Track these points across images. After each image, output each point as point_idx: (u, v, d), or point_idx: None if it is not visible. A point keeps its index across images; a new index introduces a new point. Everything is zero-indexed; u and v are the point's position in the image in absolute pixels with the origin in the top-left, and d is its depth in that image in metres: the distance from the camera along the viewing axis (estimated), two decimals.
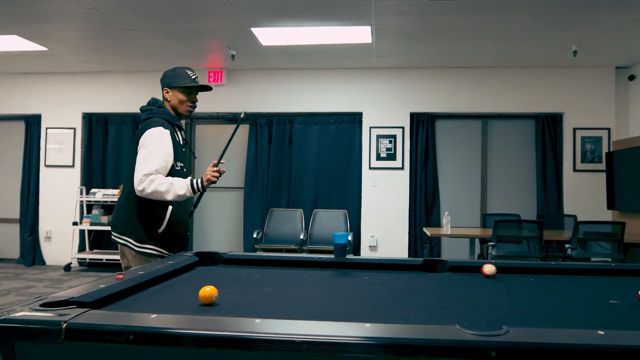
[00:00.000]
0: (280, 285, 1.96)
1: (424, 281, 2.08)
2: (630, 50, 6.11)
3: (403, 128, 7.11)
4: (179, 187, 2.63)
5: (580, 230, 5.29)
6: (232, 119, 7.64)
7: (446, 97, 7.08)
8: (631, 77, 6.82)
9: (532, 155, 7.16)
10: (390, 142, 7.13)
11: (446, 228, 5.54)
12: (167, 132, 2.68)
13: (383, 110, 7.16)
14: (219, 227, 7.74)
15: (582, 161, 6.91)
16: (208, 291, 1.58)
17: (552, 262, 2.45)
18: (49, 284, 6.29)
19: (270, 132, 7.41)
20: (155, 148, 2.62)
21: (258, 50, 6.26)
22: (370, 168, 7.16)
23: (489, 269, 2.11)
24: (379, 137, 7.15)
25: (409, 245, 7.16)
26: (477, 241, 6.03)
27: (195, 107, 2.88)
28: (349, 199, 7.29)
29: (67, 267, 7.23)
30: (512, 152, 7.23)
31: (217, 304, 1.58)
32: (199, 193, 2.76)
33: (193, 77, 2.83)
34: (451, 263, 2.29)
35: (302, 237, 6.86)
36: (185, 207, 2.93)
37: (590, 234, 5.41)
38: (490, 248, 5.33)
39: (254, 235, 6.96)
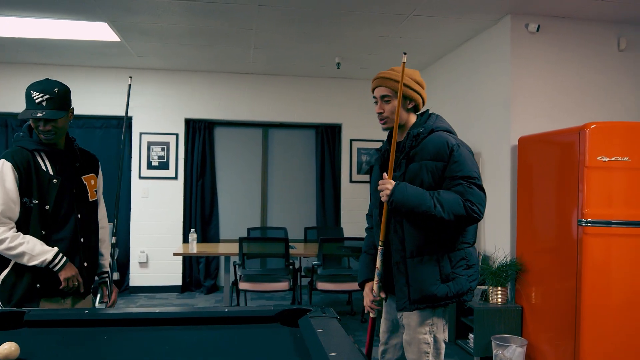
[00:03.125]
0: None
1: None
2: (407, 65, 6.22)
3: (177, 135, 6.63)
4: (37, 253, 2.27)
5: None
6: None
7: (225, 103, 6.73)
8: None
9: (312, 166, 7.09)
10: (162, 149, 6.60)
11: (192, 246, 5.15)
12: (8, 165, 2.25)
13: (155, 115, 6.61)
14: None
15: (358, 172, 6.98)
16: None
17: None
18: None
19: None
20: None
21: None
22: (141, 177, 6.58)
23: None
24: (150, 144, 6.59)
25: (184, 262, 6.71)
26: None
27: (47, 134, 2.31)
28: (118, 211, 6.61)
29: None
30: (294, 162, 7.10)
31: None
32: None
33: (37, 100, 2.28)
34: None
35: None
36: None
37: (342, 250, 5.37)
38: (237, 267, 5.05)
39: None
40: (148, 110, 6.59)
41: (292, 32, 4.93)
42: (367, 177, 6.89)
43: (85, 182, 2.48)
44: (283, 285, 4.96)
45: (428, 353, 2.26)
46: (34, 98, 2.28)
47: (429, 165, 2.18)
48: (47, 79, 2.40)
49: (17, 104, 6.38)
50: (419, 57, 5.79)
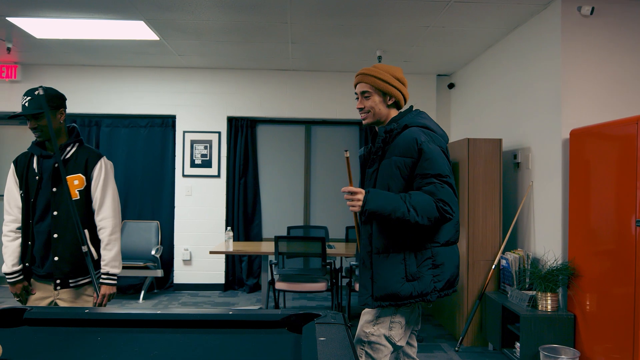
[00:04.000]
0: None
1: None
2: (450, 58, 5.96)
3: (220, 133, 6.62)
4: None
5: None
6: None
7: (267, 101, 6.66)
8: (451, 85, 6.72)
9: (356, 163, 6.91)
10: (205, 147, 6.61)
11: (227, 244, 5.09)
12: (12, 165, 2.72)
13: (198, 113, 6.64)
14: None
15: None
16: None
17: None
18: None
19: None
20: None
21: (36, 44, 5.53)
22: (184, 175, 6.62)
23: None
24: (193, 142, 6.62)
25: (226, 260, 6.70)
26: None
27: (34, 131, 2.61)
28: (162, 209, 6.71)
29: None
30: (337, 159, 6.94)
31: None
32: None
33: (22, 102, 2.59)
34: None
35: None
36: None
37: None
38: (273, 267, 4.95)
39: None
40: (191, 109, 6.62)
41: (328, 25, 4.78)
42: None
43: (70, 182, 2.65)
44: (320, 285, 4.82)
45: (363, 348, 2.29)
46: (22, 102, 2.60)
47: (398, 161, 2.18)
48: (40, 86, 2.64)
49: (72, 105, 6.57)
50: (464, 48, 5.49)
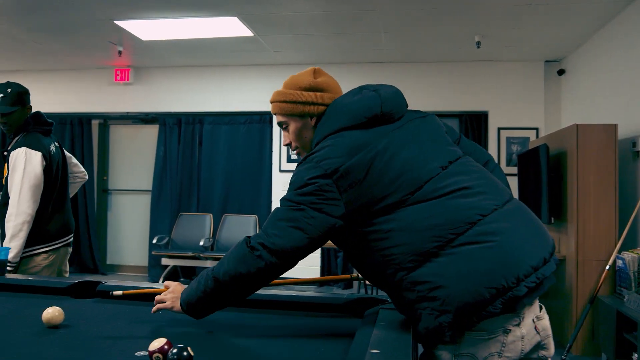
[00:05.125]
0: None
1: None
2: (558, 41, 5.48)
3: None
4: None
5: None
6: (144, 119, 7.32)
7: None
8: (561, 72, 6.17)
9: None
10: None
11: None
12: None
13: None
14: (129, 232, 7.41)
15: (508, 164, 6.30)
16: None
17: None
18: None
19: (179, 132, 7.05)
20: None
21: (144, 46, 5.89)
22: (281, 171, 6.71)
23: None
24: None
25: (322, 254, 6.69)
26: None
27: (4, 127, 2.82)
28: (261, 204, 6.86)
29: None
30: None
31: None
32: None
33: None
34: None
35: (202, 243, 6.46)
36: None
37: None
38: None
39: (154, 241, 6.63)
40: None
41: (420, 9, 4.57)
42: (515, 170, 6.19)
43: (4, 170, 2.84)
44: None
45: None
46: None
47: None
48: (8, 82, 2.83)
49: (171, 104, 6.96)
50: (574, 28, 4.99)
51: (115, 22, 5.05)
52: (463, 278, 1.33)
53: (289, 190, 1.48)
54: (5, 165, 2.81)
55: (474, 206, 1.41)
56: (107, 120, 7.45)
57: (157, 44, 5.79)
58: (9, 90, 2.77)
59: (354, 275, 1.82)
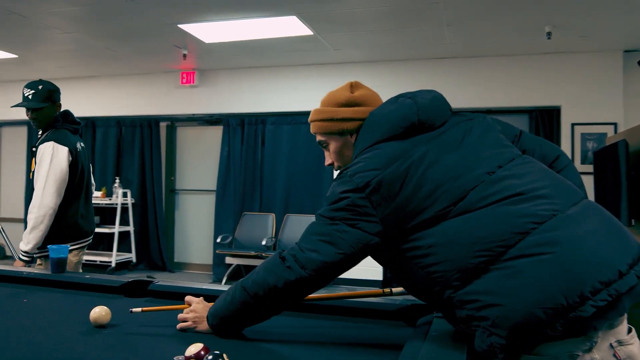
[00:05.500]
0: None
1: None
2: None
3: None
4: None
5: None
6: (209, 120, 7.47)
7: None
8: None
9: None
10: None
11: None
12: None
13: None
14: (195, 231, 7.60)
15: (582, 162, 5.91)
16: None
17: None
18: None
19: (242, 133, 7.15)
20: None
21: (207, 49, 6.01)
22: None
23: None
24: None
25: None
26: None
27: (33, 122, 2.95)
28: (322, 204, 6.80)
29: None
30: None
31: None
32: None
33: (25, 94, 2.91)
34: None
35: (264, 243, 6.51)
36: None
37: None
38: None
39: (218, 240, 6.75)
40: None
41: (485, 0, 4.37)
42: (591, 168, 5.80)
43: (32, 165, 2.95)
44: None
45: None
46: (24, 93, 2.88)
47: None
48: (40, 79, 2.96)
49: (235, 105, 7.07)
50: None
51: (179, 25, 5.18)
52: (514, 296, 1.18)
53: (324, 205, 1.41)
54: (33, 159, 2.91)
55: (527, 213, 1.25)
56: (174, 122, 7.68)
57: (220, 46, 5.89)
58: (40, 87, 2.89)
59: (387, 290, 1.72)
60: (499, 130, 1.51)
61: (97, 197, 7.30)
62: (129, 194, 7.39)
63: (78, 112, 7.70)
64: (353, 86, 1.60)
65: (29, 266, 2.76)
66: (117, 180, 7.37)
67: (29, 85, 2.91)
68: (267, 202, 7.04)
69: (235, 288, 1.44)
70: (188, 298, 1.60)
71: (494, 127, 1.50)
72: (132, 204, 7.47)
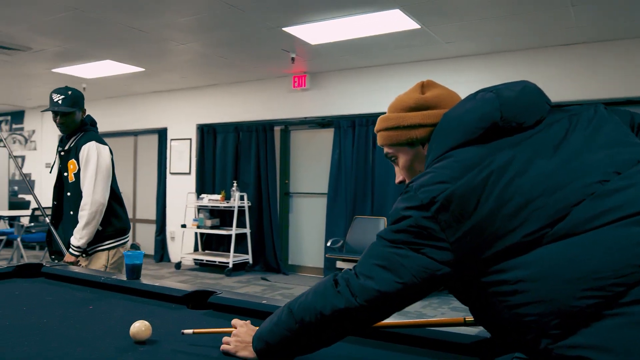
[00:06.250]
0: None
1: None
2: None
3: None
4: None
5: None
6: (321, 123, 7.43)
7: (551, 82, 5.73)
8: None
9: None
10: None
11: None
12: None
13: None
14: (307, 234, 7.60)
15: None
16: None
17: None
18: (148, 280, 6.95)
19: (353, 135, 7.00)
20: None
21: (314, 50, 5.96)
22: None
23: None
24: None
25: None
26: None
27: (61, 126, 3.06)
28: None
29: (178, 265, 7.92)
30: None
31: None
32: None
33: (55, 100, 3.01)
34: None
35: None
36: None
37: None
38: None
39: (328, 244, 6.67)
40: None
41: None
42: None
43: (69, 166, 3.05)
44: None
45: None
46: (53, 98, 2.97)
47: None
48: (66, 86, 3.06)
49: (345, 107, 6.95)
50: None
51: (284, 29, 5.17)
52: (637, 355, 0.87)
53: (387, 224, 1.18)
54: (71, 162, 3.03)
55: None
56: (287, 126, 7.77)
57: (326, 47, 5.80)
58: (69, 92, 3.00)
59: (469, 319, 1.40)
60: (617, 121, 1.14)
61: (217, 200, 7.62)
62: (245, 197, 7.60)
63: (200, 119, 8.18)
64: (425, 86, 1.34)
65: (78, 262, 2.94)
66: (235, 184, 7.62)
67: (59, 91, 3.00)
68: (379, 206, 6.82)
69: (283, 308, 1.24)
70: (234, 321, 1.44)
71: (611, 119, 1.14)
72: (249, 206, 7.68)
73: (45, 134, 10.11)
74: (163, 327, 1.57)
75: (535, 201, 1.00)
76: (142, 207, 9.25)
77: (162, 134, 8.74)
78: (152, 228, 8.93)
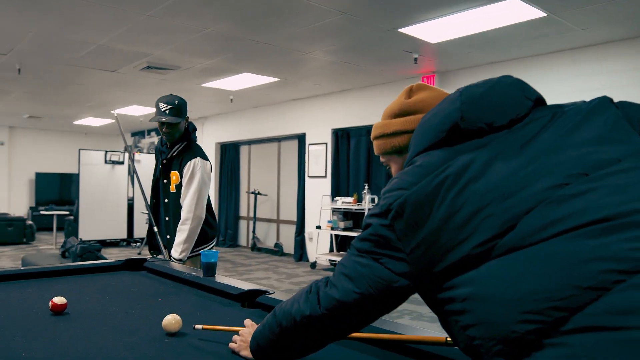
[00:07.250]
0: None
1: None
2: None
3: None
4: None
5: None
6: None
7: None
8: None
9: None
10: None
11: None
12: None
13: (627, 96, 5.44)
14: None
15: None
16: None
17: None
18: (284, 277, 7.37)
19: None
20: None
21: (436, 49, 5.79)
22: None
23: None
24: None
25: None
26: None
27: (167, 135, 3.12)
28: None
29: (313, 265, 8.24)
30: None
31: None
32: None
33: (162, 109, 3.06)
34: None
35: None
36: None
37: None
38: None
39: None
40: (618, 93, 5.51)
41: None
42: None
43: (171, 176, 3.16)
44: None
45: None
46: (161, 108, 3.03)
47: None
48: (171, 94, 3.12)
49: None
50: None
51: (400, 30, 5.12)
52: None
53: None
54: (174, 173, 3.13)
55: (608, 255, 0.76)
56: None
57: (448, 44, 5.60)
58: (175, 102, 3.04)
59: (450, 340, 1.27)
60: (613, 116, 0.95)
61: (349, 202, 7.78)
62: (376, 200, 7.63)
63: (335, 124, 8.42)
64: (412, 90, 1.26)
65: None
66: (366, 187, 7.70)
67: (165, 100, 3.02)
68: None
69: (273, 311, 1.28)
70: (246, 321, 1.50)
71: (606, 113, 0.96)
72: None
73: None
74: (201, 323, 1.69)
75: (485, 209, 0.88)
76: (285, 208, 9.80)
77: (301, 139, 9.18)
78: (293, 229, 9.41)
